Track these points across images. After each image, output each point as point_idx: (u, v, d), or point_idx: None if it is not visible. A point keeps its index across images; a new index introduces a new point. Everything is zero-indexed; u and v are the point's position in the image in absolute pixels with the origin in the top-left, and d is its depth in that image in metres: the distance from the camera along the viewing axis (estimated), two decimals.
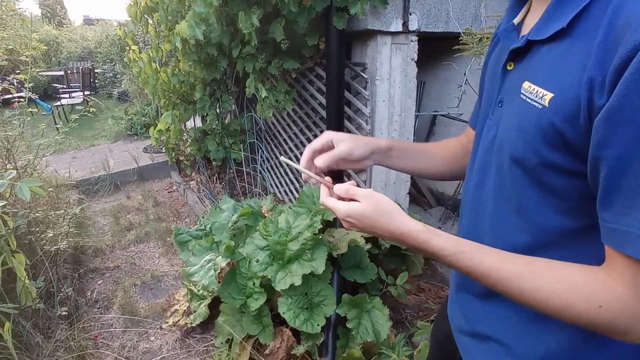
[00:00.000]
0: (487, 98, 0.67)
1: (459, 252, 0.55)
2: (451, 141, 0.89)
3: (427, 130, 3.01)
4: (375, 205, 0.61)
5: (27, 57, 2.10)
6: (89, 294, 2.38)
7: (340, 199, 0.66)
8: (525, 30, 0.58)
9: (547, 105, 0.48)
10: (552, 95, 0.48)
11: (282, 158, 0.73)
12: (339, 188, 0.66)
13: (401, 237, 0.59)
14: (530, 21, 0.58)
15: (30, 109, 2.26)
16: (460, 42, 1.80)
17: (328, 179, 0.71)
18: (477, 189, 0.66)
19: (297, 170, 0.78)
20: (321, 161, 0.74)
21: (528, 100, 0.52)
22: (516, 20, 0.62)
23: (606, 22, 0.43)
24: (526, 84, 0.53)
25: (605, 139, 0.42)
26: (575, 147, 0.47)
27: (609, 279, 0.46)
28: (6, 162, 1.82)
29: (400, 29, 1.92)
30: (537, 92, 0.50)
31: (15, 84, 2.47)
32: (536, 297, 0.49)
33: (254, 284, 1.60)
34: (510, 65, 0.59)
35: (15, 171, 1.26)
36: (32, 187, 1.23)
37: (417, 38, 2.03)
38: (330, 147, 0.77)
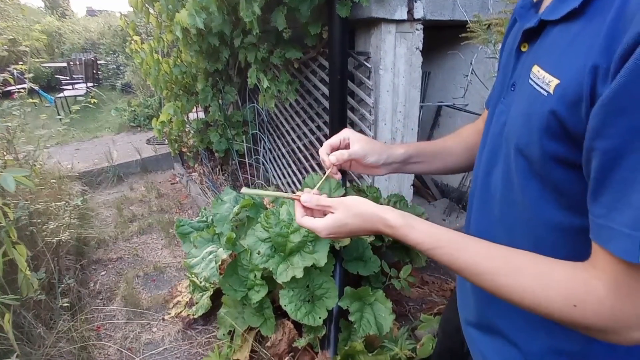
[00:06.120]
0: (501, 80, 0.64)
1: (436, 247, 0.54)
2: (467, 129, 0.86)
3: (431, 121, 2.96)
4: (349, 211, 0.61)
5: (26, 47, 2.08)
6: (91, 285, 2.38)
7: (314, 212, 0.67)
8: (544, 8, 0.55)
9: (551, 92, 0.45)
10: (557, 81, 0.45)
11: (243, 189, 0.70)
12: (307, 200, 0.65)
13: (383, 233, 0.59)
14: None
15: (32, 100, 2.25)
16: (468, 29, 1.75)
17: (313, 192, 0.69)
18: (486, 176, 0.64)
19: (258, 196, 0.80)
20: (334, 157, 0.74)
21: (535, 86, 0.49)
22: None
23: (617, 5, 0.39)
24: (535, 68, 0.50)
25: (599, 129, 0.40)
26: (576, 138, 0.44)
27: (590, 276, 0.44)
28: (4, 154, 1.81)
29: (405, 17, 1.87)
30: (544, 77, 0.47)
31: (15, 74, 2.45)
32: (511, 293, 0.49)
33: (255, 276, 1.58)
34: (524, 47, 0.56)
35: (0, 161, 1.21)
36: (17, 178, 1.18)
37: (422, 26, 1.98)
38: (347, 144, 0.77)
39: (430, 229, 0.56)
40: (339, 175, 0.76)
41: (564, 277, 0.46)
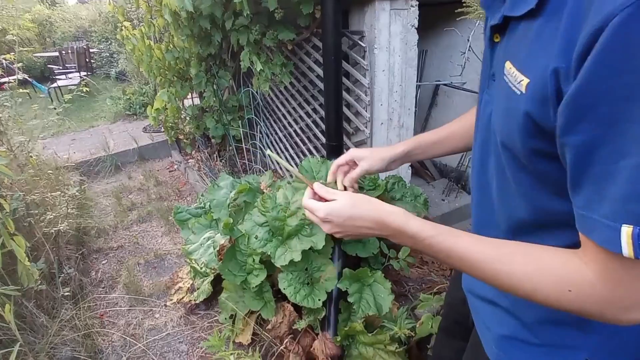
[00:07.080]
0: (483, 69, 0.63)
1: (435, 235, 0.56)
2: (471, 112, 0.88)
3: (429, 100, 2.93)
4: (352, 199, 0.64)
5: (13, 36, 2.03)
6: (93, 274, 2.40)
7: (322, 199, 0.70)
8: None
9: (524, 91, 0.45)
10: (527, 80, 0.45)
11: (268, 152, 0.78)
12: (319, 188, 0.71)
13: (380, 224, 0.61)
14: None
15: (24, 91, 2.21)
16: (464, 4, 1.71)
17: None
18: (481, 165, 0.64)
19: (281, 166, 0.94)
20: (347, 182, 0.88)
21: (509, 84, 0.49)
22: None
23: (570, 5, 0.39)
24: (508, 65, 0.49)
25: (567, 126, 0.40)
26: (551, 134, 0.44)
27: (581, 263, 0.45)
28: None
29: None
30: (516, 76, 0.47)
31: (5, 64, 2.41)
32: (510, 279, 0.50)
33: (253, 260, 1.59)
34: (496, 37, 0.55)
35: None
36: None
37: (417, 3, 1.93)
38: (352, 162, 0.89)
39: (426, 221, 0.58)
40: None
41: (557, 263, 0.47)
